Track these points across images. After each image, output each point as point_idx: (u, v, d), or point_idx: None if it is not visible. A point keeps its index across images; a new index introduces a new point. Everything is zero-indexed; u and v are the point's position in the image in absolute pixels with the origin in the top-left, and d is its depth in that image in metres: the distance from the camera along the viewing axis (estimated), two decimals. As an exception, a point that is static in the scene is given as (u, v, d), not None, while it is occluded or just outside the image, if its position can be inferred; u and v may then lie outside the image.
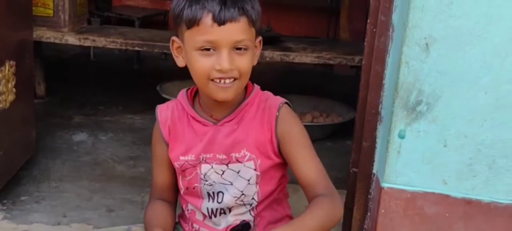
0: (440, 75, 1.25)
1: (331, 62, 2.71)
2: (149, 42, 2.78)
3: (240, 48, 1.22)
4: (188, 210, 1.41)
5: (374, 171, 1.46)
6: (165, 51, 2.83)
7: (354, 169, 1.55)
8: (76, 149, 2.65)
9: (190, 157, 1.33)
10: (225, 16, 1.18)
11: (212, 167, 1.32)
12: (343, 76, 4.22)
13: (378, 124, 1.41)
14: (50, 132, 2.78)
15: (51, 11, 2.92)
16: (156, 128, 1.38)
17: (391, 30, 1.32)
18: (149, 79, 3.81)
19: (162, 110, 1.38)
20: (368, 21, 1.39)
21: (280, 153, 1.33)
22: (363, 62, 1.43)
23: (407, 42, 1.23)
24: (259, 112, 1.33)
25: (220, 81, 1.23)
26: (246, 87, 1.35)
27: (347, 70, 4.12)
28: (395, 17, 1.31)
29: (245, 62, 1.23)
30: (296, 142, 1.32)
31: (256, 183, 1.34)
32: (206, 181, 1.33)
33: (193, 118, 1.33)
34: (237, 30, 1.20)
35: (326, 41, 3.71)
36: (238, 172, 1.32)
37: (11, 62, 1.96)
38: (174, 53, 1.30)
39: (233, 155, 1.31)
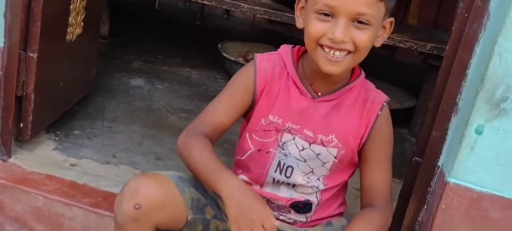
0: (534, 73, 1.16)
1: (401, 45, 2.59)
2: (218, -3, 2.73)
3: (361, 22, 1.13)
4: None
5: (439, 163, 1.38)
6: (232, 8, 2.77)
7: (417, 158, 1.48)
8: (132, 93, 2.65)
9: (277, 119, 1.27)
10: None
11: (294, 139, 1.27)
12: (405, 63, 4.08)
13: (453, 115, 1.33)
14: (108, 73, 2.79)
15: (124, -48, 2.89)
16: (250, 73, 1.29)
17: (486, 17, 1.22)
18: (209, 37, 3.79)
19: (263, 61, 1.29)
20: (461, 5, 1.30)
21: (360, 148, 1.29)
22: (447, 47, 1.35)
23: (505, 32, 1.13)
24: (359, 102, 1.27)
25: (329, 51, 1.15)
26: (353, 70, 1.28)
27: (410, 57, 3.98)
28: (493, 4, 1.21)
29: (363, 37, 1.14)
30: (383, 148, 1.30)
31: (330, 169, 1.29)
32: (283, 149, 1.28)
33: (294, 81, 1.27)
34: (362, 1, 1.11)
35: (395, 24, 3.58)
36: (318, 155, 1.27)
37: (83, -5, 1.96)
38: (297, 13, 1.24)
39: (319, 136, 1.26)
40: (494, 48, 1.15)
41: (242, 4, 2.64)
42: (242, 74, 1.31)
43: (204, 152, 1.21)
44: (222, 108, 1.30)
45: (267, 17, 2.73)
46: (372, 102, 1.27)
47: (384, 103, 1.29)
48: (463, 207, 1.30)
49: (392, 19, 1.22)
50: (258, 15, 2.80)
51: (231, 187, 1.14)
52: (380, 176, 1.30)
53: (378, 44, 1.22)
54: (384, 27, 1.21)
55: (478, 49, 1.25)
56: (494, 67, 1.16)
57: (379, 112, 1.27)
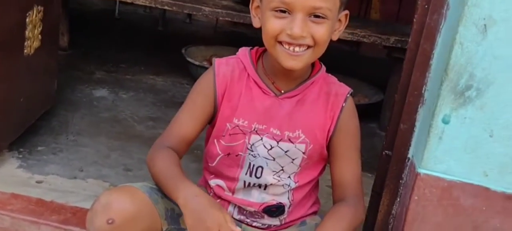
0: (495, 60, 1.17)
1: (365, 40, 2.61)
2: (179, 2, 2.70)
3: (318, 16, 1.13)
4: (211, 186, 1.34)
5: (409, 155, 1.39)
6: (194, 13, 2.75)
7: (387, 152, 1.48)
8: (96, 105, 2.60)
9: (242, 122, 1.26)
10: None
11: (261, 139, 1.26)
12: (370, 58, 4.13)
13: (419, 106, 1.33)
14: (70, 85, 2.73)
15: (80, -39, 2.84)
16: (209, 79, 1.28)
17: (445, 7, 1.23)
18: (172, 42, 3.75)
19: (221, 65, 1.28)
20: (420, -4, 1.31)
21: (328, 142, 1.28)
22: (409, 39, 1.35)
23: (464, 21, 1.14)
24: (322, 96, 1.27)
25: (289, 47, 1.15)
26: (313, 65, 1.28)
27: (375, 52, 4.02)
28: (451, -6, 1.22)
29: (321, 31, 1.14)
30: (350, 140, 1.29)
31: (299, 165, 1.28)
32: (252, 151, 1.27)
33: (255, 82, 1.26)
34: None
35: (358, 19, 3.61)
36: (286, 152, 1.26)
37: (39, 7, 1.90)
38: (252, 13, 1.23)
39: (286, 133, 1.25)
40: (455, 37, 1.16)
41: (203, 7, 2.62)
42: (201, 82, 1.30)
43: (166, 163, 1.21)
44: (186, 119, 1.29)
45: (229, 19, 2.71)
46: (335, 95, 1.28)
47: (348, 95, 1.29)
48: (435, 197, 1.30)
49: (347, 11, 1.23)
50: (221, 18, 2.79)
51: (187, 194, 1.13)
52: (349, 169, 1.30)
53: (335, 37, 1.23)
54: (340, 20, 1.22)
55: (440, 40, 1.26)
56: (456, 56, 1.17)
57: (343, 104, 1.27)
